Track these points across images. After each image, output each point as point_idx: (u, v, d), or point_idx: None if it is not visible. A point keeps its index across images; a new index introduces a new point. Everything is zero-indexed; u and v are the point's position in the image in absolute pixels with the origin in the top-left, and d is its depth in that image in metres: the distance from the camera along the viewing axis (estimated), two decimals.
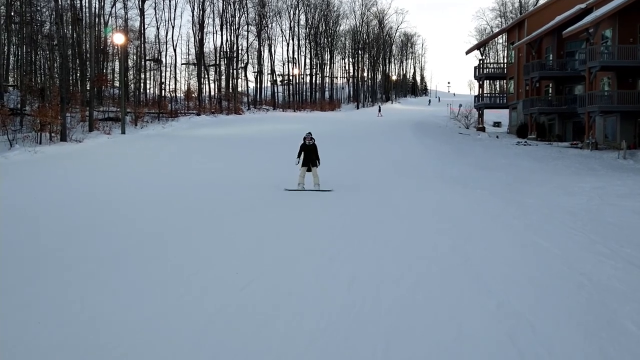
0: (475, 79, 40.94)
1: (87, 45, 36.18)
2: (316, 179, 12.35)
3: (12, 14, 33.45)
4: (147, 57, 47.64)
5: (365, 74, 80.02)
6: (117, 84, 41.63)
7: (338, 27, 73.57)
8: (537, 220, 8.70)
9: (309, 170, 12.43)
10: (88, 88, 32.40)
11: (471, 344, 3.95)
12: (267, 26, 60.29)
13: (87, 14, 37.87)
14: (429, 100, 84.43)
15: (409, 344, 3.96)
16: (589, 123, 24.96)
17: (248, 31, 56.38)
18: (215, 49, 53.99)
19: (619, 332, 4.14)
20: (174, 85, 54.02)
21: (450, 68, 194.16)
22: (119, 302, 5.07)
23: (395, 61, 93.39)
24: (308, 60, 69.39)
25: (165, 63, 51.40)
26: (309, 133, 12.84)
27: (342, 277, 5.63)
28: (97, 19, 40.58)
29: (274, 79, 63.34)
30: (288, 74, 66.35)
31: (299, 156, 12.61)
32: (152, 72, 50.08)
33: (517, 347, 3.86)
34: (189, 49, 63.74)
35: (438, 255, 6.51)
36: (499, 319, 4.40)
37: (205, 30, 49.38)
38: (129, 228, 8.61)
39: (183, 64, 52.59)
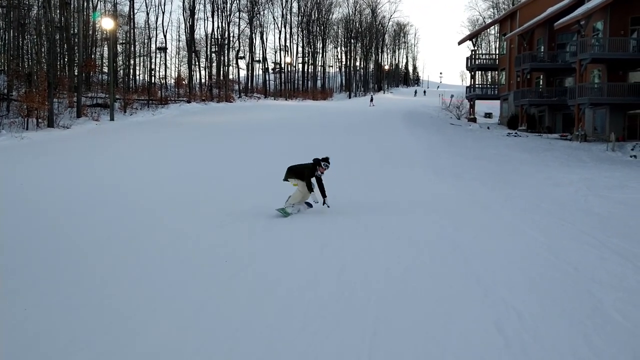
0: (467, 69, 40.94)
1: (76, 30, 35.60)
2: (296, 197, 8.40)
3: None
4: (161, 47, 47.17)
5: (357, 63, 79.74)
6: (105, 69, 41.08)
7: (331, 16, 73.10)
8: (526, 210, 8.76)
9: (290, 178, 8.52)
10: (76, 73, 31.95)
11: (458, 331, 3.98)
12: (259, 13, 59.74)
13: None
14: (415, 92, 76.46)
15: (397, 331, 3.97)
16: (579, 115, 25.09)
17: (240, 18, 55.83)
18: (207, 35, 53.43)
19: (604, 320, 4.19)
20: (164, 72, 53.50)
21: (442, 58, 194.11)
22: (106, 290, 5.03)
23: (388, 51, 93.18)
24: (300, 49, 68.98)
25: (155, 49, 50.82)
26: (328, 163, 8.46)
27: (333, 265, 5.63)
28: (85, 3, 39.89)
29: (266, 66, 62.89)
30: (280, 62, 65.94)
31: (312, 187, 8.35)
32: (141, 58, 49.48)
33: (503, 334, 3.89)
34: (179, 35, 63.09)
35: (427, 244, 6.53)
36: (486, 307, 4.43)
37: (196, 16, 48.78)
38: (116, 215, 8.55)
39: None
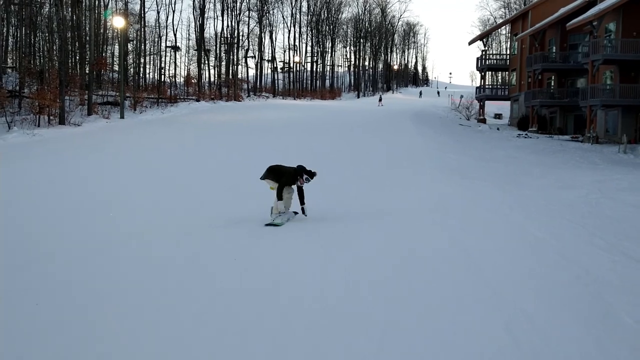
0: (477, 70, 40.70)
1: (87, 28, 35.86)
2: (290, 200, 7.90)
3: None
4: (170, 46, 47.57)
5: (366, 63, 79.64)
6: (116, 67, 41.34)
7: (340, 15, 73.09)
8: (536, 212, 8.68)
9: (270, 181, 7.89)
10: (87, 71, 32.16)
11: (468, 334, 3.94)
12: (269, 12, 59.85)
13: None
14: (420, 92, 71.10)
15: (405, 332, 3.95)
16: (591, 117, 24.86)
17: (249, 17, 55.95)
18: (216, 34, 53.59)
19: (615, 324, 4.14)
20: (173, 71, 53.77)
21: (452, 58, 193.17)
22: (117, 286, 5.05)
23: (397, 50, 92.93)
24: (309, 48, 69.02)
25: (165, 47, 51.07)
26: (311, 177, 7.83)
27: (339, 266, 5.61)
28: (97, 2, 40.17)
29: (275, 66, 62.98)
30: (289, 62, 66.03)
31: (282, 195, 7.66)
32: (152, 57, 49.74)
33: (513, 338, 3.86)
34: (189, 34, 63.30)
35: (435, 245, 6.49)
36: (496, 310, 4.39)
37: (206, 15, 48.92)
38: (121, 215, 8.60)
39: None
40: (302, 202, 7.91)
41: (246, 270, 5.48)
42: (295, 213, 8.04)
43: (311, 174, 7.81)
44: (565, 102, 29.97)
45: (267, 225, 7.49)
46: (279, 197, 7.64)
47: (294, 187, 7.90)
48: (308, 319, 4.21)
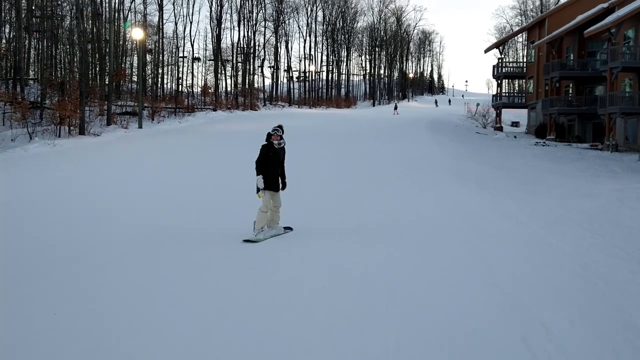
0: (493, 77, 40.47)
1: (107, 39, 36.58)
2: (261, 220, 7.31)
3: (33, 7, 33.95)
4: (186, 56, 48.46)
5: (382, 72, 79.72)
6: (135, 78, 42.04)
7: (355, 24, 73.43)
8: (553, 221, 8.58)
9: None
10: (107, 82, 32.77)
11: (483, 343, 3.91)
12: (285, 22, 60.42)
13: (107, 9, 38.33)
14: (435, 101, 70.07)
15: (419, 342, 3.93)
16: (610, 124, 24.51)
17: (265, 27, 56.54)
18: (233, 44, 54.23)
19: (635, 335, 4.07)
20: (190, 81, 54.46)
21: (468, 67, 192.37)
22: (129, 296, 5.12)
23: (413, 59, 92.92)
24: (324, 57, 69.39)
25: (183, 57, 51.77)
26: (279, 128, 7.76)
27: (354, 272, 5.61)
28: (116, 14, 40.97)
29: (290, 75, 63.43)
30: (304, 71, 66.42)
31: (260, 171, 7.46)
32: (169, 67, 50.49)
33: (529, 348, 3.82)
34: (206, 45, 64.11)
35: (452, 253, 6.46)
36: (512, 319, 4.35)
37: (222, 26, 49.56)
38: (141, 223, 8.71)
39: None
40: (283, 177, 7.74)
41: (264, 277, 5.51)
42: (289, 229, 7.76)
43: (277, 127, 7.71)
44: (583, 110, 29.60)
45: (245, 241, 7.07)
46: (273, 186, 7.47)
47: (280, 190, 7.62)
48: (321, 326, 4.22)
